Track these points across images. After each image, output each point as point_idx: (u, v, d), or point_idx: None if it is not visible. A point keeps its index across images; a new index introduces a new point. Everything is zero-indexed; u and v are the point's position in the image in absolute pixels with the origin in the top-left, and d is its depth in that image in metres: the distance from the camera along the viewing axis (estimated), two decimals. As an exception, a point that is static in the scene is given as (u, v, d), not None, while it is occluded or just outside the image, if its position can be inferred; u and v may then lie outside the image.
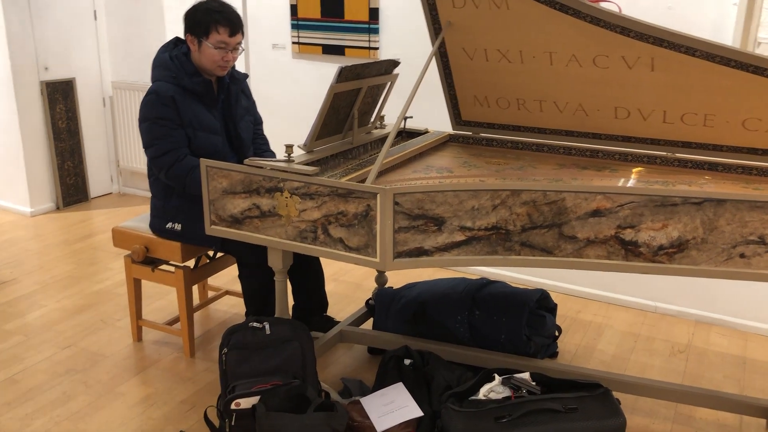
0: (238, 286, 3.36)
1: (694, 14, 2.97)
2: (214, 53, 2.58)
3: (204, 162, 2.33)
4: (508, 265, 2.20)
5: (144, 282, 2.95)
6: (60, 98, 4.72)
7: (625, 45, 2.23)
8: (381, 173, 2.36)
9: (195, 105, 2.64)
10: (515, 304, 2.67)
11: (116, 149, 5.14)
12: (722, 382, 2.75)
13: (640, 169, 2.49)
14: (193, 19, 2.58)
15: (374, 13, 3.67)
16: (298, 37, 3.93)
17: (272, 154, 2.98)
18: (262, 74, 4.16)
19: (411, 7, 3.59)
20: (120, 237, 2.87)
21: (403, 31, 3.66)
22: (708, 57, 2.15)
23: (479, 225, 2.15)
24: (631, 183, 2.33)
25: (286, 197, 2.22)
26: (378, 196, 2.06)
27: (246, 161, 2.27)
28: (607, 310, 3.38)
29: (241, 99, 2.83)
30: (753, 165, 2.37)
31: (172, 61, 2.64)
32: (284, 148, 2.29)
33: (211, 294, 3.32)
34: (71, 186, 4.88)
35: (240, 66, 4.05)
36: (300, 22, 3.90)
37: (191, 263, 2.93)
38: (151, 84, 2.70)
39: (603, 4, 2.57)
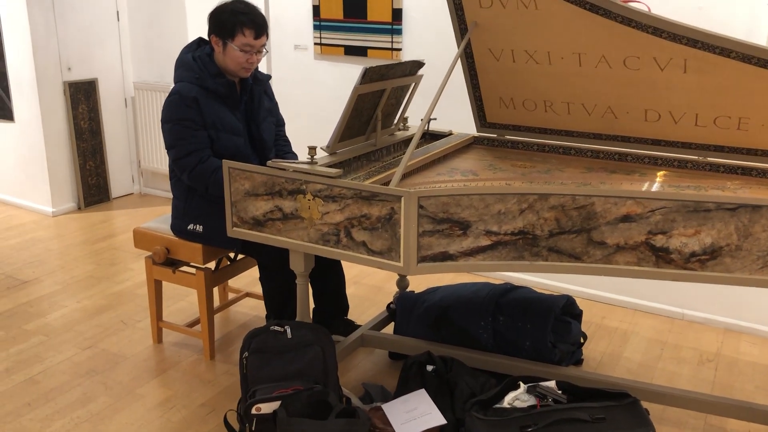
0: (258, 288, 3.34)
1: (725, 14, 2.90)
2: (239, 55, 2.56)
3: (226, 163, 2.31)
4: (534, 271, 2.15)
5: (164, 283, 2.93)
6: (82, 98, 4.74)
7: (657, 46, 2.18)
8: (405, 176, 2.33)
9: (218, 106, 2.62)
10: (540, 311, 2.62)
11: (138, 150, 5.15)
12: (754, 392, 2.68)
13: (664, 172, 2.43)
14: (218, 20, 2.56)
15: (397, 14, 3.63)
16: (320, 38, 3.91)
17: (294, 156, 2.96)
18: (284, 75, 4.14)
19: (435, 8, 3.55)
20: (141, 238, 2.85)
21: (426, 32, 3.62)
22: (744, 58, 2.09)
23: (505, 229, 2.10)
24: (656, 187, 2.27)
25: (309, 199, 2.19)
26: (402, 199, 2.02)
27: (269, 163, 2.25)
28: (633, 316, 3.31)
29: (264, 100, 2.81)
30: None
31: (195, 61, 2.62)
32: (306, 149, 2.26)
33: (231, 296, 3.30)
34: (93, 186, 4.90)
35: (262, 67, 4.04)
36: (322, 23, 3.87)
37: (212, 265, 2.91)
38: (173, 85, 2.69)
39: (632, 4, 2.51)
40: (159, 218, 2.96)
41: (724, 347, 3.02)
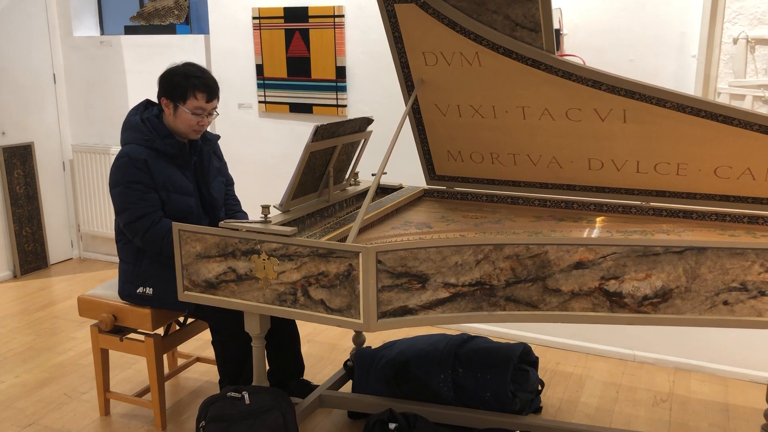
0: (208, 353, 3.26)
1: (655, 66, 3.05)
2: (190, 118, 2.55)
3: (176, 226, 2.27)
4: (493, 321, 2.16)
5: (111, 352, 2.81)
6: (18, 163, 4.60)
7: (597, 98, 2.27)
8: (359, 231, 2.32)
9: (167, 167, 2.59)
10: (498, 360, 2.63)
11: (77, 213, 5.00)
12: (708, 430, 2.73)
13: (603, 218, 2.51)
14: (170, 82, 2.55)
15: (341, 72, 3.69)
16: (265, 96, 3.92)
17: (244, 215, 2.93)
18: (229, 133, 4.11)
19: (378, 65, 3.62)
20: (86, 306, 2.75)
21: (371, 89, 3.68)
22: (678, 108, 2.19)
23: (463, 281, 2.11)
24: (603, 233, 2.33)
25: (264, 259, 2.16)
26: (360, 255, 2.02)
27: (221, 223, 2.21)
28: (586, 360, 3.35)
29: (213, 160, 2.79)
30: (726, 212, 2.40)
31: (143, 123, 2.59)
32: (258, 208, 2.24)
33: (181, 362, 3.19)
34: (30, 253, 4.72)
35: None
36: (266, 82, 3.89)
37: (161, 331, 2.81)
38: (121, 147, 2.64)
39: (568, 58, 2.62)
40: (104, 285, 2.86)
41: (676, 386, 3.08)
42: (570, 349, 3.44)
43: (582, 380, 3.15)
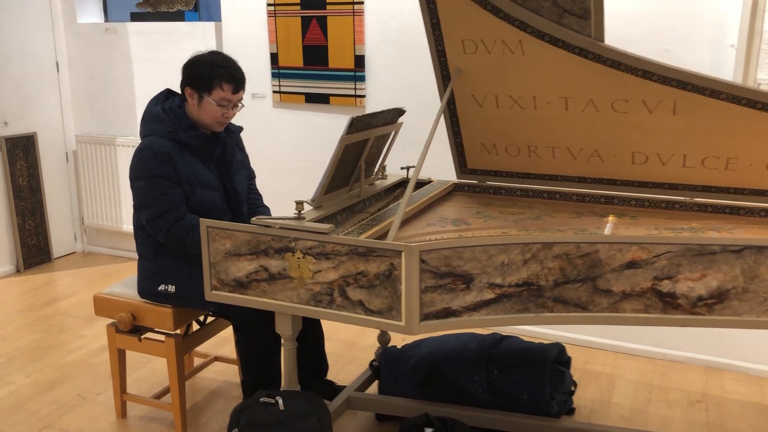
0: (225, 351, 3.15)
1: (690, 56, 2.95)
2: (216, 109, 2.43)
3: (204, 222, 2.15)
4: (540, 323, 2.06)
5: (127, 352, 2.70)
6: (21, 154, 4.45)
7: (646, 89, 2.16)
8: (395, 228, 2.22)
9: (192, 160, 2.47)
10: (535, 361, 2.53)
11: (80, 206, 4.87)
12: (748, 432, 2.65)
13: (646, 214, 2.40)
14: (195, 72, 2.43)
15: (360, 61, 3.57)
16: (279, 86, 3.80)
17: (267, 210, 2.82)
18: (242, 124, 3.99)
19: (398, 54, 3.51)
20: (103, 305, 2.63)
21: (390, 78, 3.57)
22: (733, 99, 2.09)
23: (509, 281, 2.01)
24: (643, 231, 2.23)
25: (299, 258, 2.05)
26: (403, 254, 1.91)
27: (253, 220, 2.10)
28: (615, 359, 3.26)
29: (237, 152, 2.67)
30: (777, 208, 2.31)
31: (165, 114, 2.47)
32: (272, 202, 2.13)
33: (197, 361, 3.08)
34: (33, 246, 4.58)
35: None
36: (281, 71, 3.77)
37: (180, 330, 2.70)
38: (141, 139, 2.52)
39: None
40: (121, 282, 2.74)
41: (709, 386, 3.00)
42: (598, 347, 3.35)
43: (612, 380, 3.06)
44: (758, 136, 2.16)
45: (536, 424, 2.39)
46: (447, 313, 2.00)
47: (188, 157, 2.47)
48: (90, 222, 4.81)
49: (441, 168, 2.84)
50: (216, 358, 3.09)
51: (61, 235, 4.83)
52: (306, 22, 3.63)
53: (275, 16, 3.70)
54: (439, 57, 2.35)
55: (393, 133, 2.59)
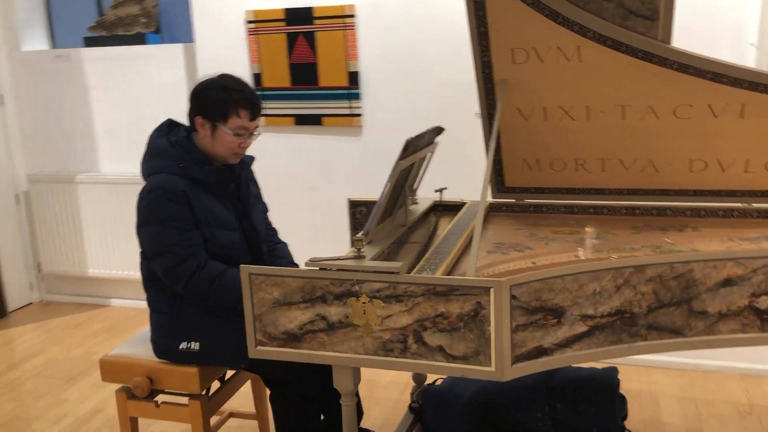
0: (243, 406, 2.85)
1: (709, 54, 2.85)
2: (231, 140, 2.16)
3: (246, 269, 1.87)
4: (634, 353, 1.88)
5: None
6: (-33, 199, 4.00)
7: (714, 92, 2.03)
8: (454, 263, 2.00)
9: (207, 198, 2.18)
10: (599, 390, 2.35)
11: (36, 251, 4.42)
12: (812, 442, 2.55)
13: (710, 225, 2.27)
14: (206, 98, 2.15)
15: (354, 78, 3.34)
16: (265, 108, 3.52)
17: (285, 246, 2.54)
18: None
19: (396, 69, 3.31)
20: (112, 369, 2.29)
21: (388, 95, 3.35)
22: (808, 98, 1.98)
23: (602, 311, 1.82)
24: (718, 243, 2.09)
25: (364, 303, 1.80)
26: (492, 290, 1.69)
27: (307, 262, 1.84)
28: (648, 374, 3.13)
29: (251, 186, 2.39)
30: None
31: (173, 147, 2.18)
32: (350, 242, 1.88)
33: (213, 420, 2.75)
34: (-14, 301, 4.11)
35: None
36: (267, 92, 3.49)
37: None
38: (145, 178, 2.22)
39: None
40: (129, 341, 2.41)
41: (753, 396, 2.90)
42: (630, 363, 3.21)
43: (654, 397, 2.92)
44: (829, 135, 2.05)
45: (614, 459, 2.21)
46: (538, 353, 1.79)
47: (203, 195, 2.18)
48: (49, 268, 4.37)
49: (454, 187, 2.62)
50: (231, 415, 2.78)
51: (14, 285, 4.36)
52: (292, 38, 3.37)
53: (257, 34, 3.43)
54: (483, 69, 2.15)
55: (430, 154, 2.37)
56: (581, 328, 1.81)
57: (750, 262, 1.83)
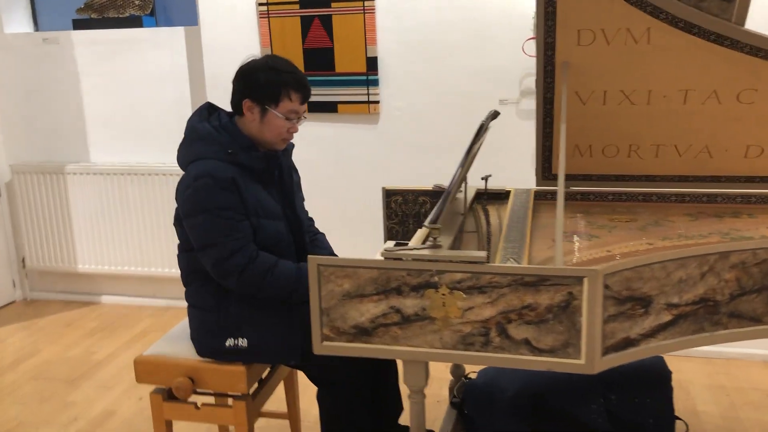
0: (273, 405, 2.72)
1: None
2: (282, 124, 2.04)
3: (315, 260, 1.75)
4: (715, 342, 1.83)
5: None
6: (-52, 191, 3.74)
7: (782, 76, 2.00)
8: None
9: (255, 186, 2.06)
10: (653, 380, 2.31)
11: (18, 246, 4.17)
12: None
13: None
14: (255, 80, 2.01)
15: (373, 63, 3.22)
16: (276, 95, 3.37)
17: (323, 236, 2.43)
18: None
19: (415, 55, 3.21)
20: (150, 369, 2.14)
21: (406, 81, 3.25)
22: None
23: (686, 299, 1.77)
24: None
25: (443, 294, 1.70)
26: (585, 280, 1.62)
27: (383, 252, 1.73)
28: (670, 362, 3.10)
29: (293, 173, 2.27)
30: None
31: (218, 132, 2.04)
32: (417, 229, 1.79)
33: (241, 420, 2.62)
34: (-31, 300, 3.86)
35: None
36: (278, 79, 3.34)
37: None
38: (182, 165, 2.09)
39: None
40: (162, 339, 2.26)
41: (780, 382, 2.92)
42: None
43: (683, 386, 2.91)
44: None
45: (676, 450, 2.17)
46: (626, 344, 1.73)
47: (251, 183, 2.06)
48: (34, 264, 4.13)
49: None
50: (260, 414, 2.64)
51: (-4, 282, 4.12)
52: (307, 22, 3.24)
53: (269, 17, 3.28)
54: (545, 50, 2.07)
55: (483, 140, 2.28)
56: (666, 317, 1.76)
57: (831, 248, 1.80)
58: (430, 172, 3.25)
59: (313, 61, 3.28)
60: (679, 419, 2.30)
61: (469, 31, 3.12)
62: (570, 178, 2.45)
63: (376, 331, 1.77)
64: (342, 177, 3.41)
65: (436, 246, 1.75)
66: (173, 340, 2.22)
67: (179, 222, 2.10)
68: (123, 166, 3.83)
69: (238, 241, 1.97)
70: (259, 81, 2.03)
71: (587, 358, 1.67)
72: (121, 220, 3.90)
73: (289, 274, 2.02)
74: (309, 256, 1.76)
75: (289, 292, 2.02)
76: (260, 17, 3.29)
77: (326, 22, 3.22)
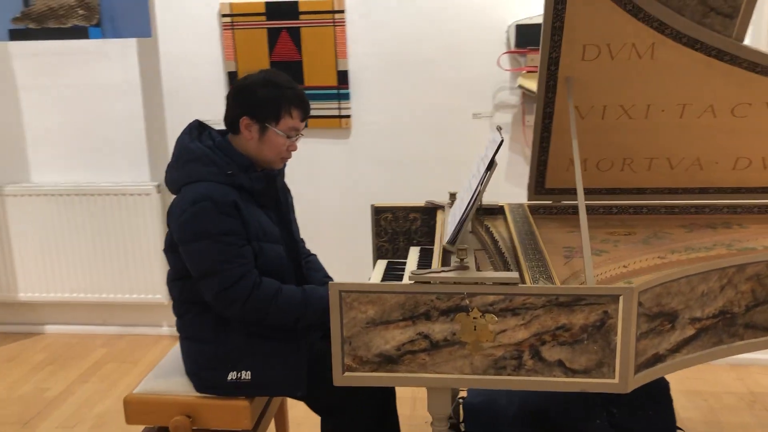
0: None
1: None
2: (282, 142, 1.94)
3: (336, 286, 1.66)
4: (732, 354, 1.86)
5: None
6: None
7: (775, 90, 2.06)
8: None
9: (254, 208, 1.95)
10: (653, 391, 2.32)
11: (-52, 275, 3.83)
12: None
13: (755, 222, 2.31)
14: (254, 97, 1.91)
15: (343, 77, 3.14)
16: (241, 110, 3.23)
17: (316, 258, 2.33)
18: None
19: (387, 68, 3.15)
20: (141, 409, 1.97)
21: (377, 96, 3.19)
22: None
23: (708, 313, 1.79)
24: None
25: (475, 318, 1.65)
26: (621, 298, 1.60)
27: (411, 276, 1.66)
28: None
29: (288, 193, 2.17)
30: None
31: (213, 152, 1.91)
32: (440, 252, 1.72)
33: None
34: None
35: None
36: (243, 93, 3.21)
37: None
38: (173, 188, 1.96)
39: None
40: (153, 375, 2.09)
41: (749, 384, 3.01)
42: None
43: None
44: None
45: (683, 461, 2.19)
46: (655, 360, 1.73)
47: (250, 205, 1.94)
48: (-34, 294, 3.80)
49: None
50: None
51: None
52: (274, 34, 3.13)
53: (233, 29, 3.15)
54: (549, 65, 2.05)
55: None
56: (690, 331, 1.77)
57: (834, 257, 1.86)
58: (403, 187, 3.22)
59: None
60: (681, 429, 2.32)
61: (443, 44, 3.09)
62: (561, 192, 2.45)
63: (403, 359, 1.69)
64: (314, 192, 3.30)
65: (463, 267, 1.69)
66: (165, 375, 2.06)
67: (172, 248, 1.96)
68: (69, 186, 3.58)
69: (241, 267, 1.85)
70: (258, 97, 1.92)
71: (621, 377, 1.65)
72: (67, 244, 3.64)
73: (294, 299, 1.91)
74: (330, 282, 1.67)
75: (295, 318, 1.92)
76: (224, 29, 3.16)
77: (294, 34, 3.12)
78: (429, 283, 1.65)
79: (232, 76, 3.21)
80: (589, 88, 2.11)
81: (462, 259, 1.70)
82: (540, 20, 2.93)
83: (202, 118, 3.26)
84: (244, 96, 1.94)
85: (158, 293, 3.59)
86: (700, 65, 2.01)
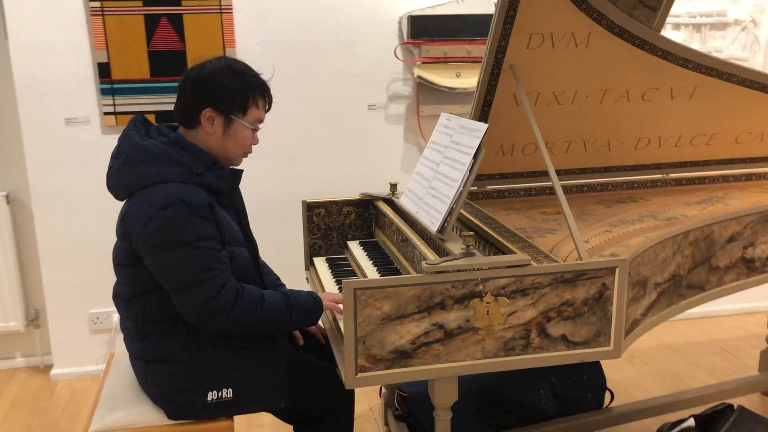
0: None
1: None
2: (248, 135, 1.80)
3: (351, 284, 1.58)
4: (679, 312, 2.08)
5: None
6: None
7: (679, 76, 2.31)
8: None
9: (220, 210, 1.77)
10: (583, 357, 2.51)
11: None
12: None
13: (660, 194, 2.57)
14: (218, 88, 1.73)
15: (232, 67, 2.95)
16: (114, 105, 2.90)
17: (263, 261, 2.17)
18: (52, 160, 2.95)
19: (279, 57, 3.02)
20: (106, 448, 1.71)
21: (273, 85, 3.02)
22: (741, 82, 2.38)
23: (665, 277, 1.98)
24: (682, 209, 2.40)
25: (488, 302, 1.67)
26: (617, 269, 1.71)
27: (425, 266, 1.62)
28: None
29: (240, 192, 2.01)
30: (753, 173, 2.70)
31: (173, 149, 1.71)
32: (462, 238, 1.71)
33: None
34: None
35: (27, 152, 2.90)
36: (117, 86, 2.88)
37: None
38: (129, 191, 1.72)
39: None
40: (107, 408, 1.81)
41: (707, 333, 3.41)
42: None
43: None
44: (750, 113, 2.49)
45: (600, 418, 2.39)
46: (633, 325, 1.88)
47: (220, 208, 1.77)
48: None
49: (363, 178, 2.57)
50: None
51: None
52: (152, 21, 2.84)
53: (103, 14, 2.81)
54: (496, 53, 2.12)
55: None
56: (654, 295, 1.94)
57: (744, 219, 2.16)
58: (297, 181, 3.12)
59: (160, 66, 2.89)
60: (608, 390, 2.53)
61: (335, 34, 3.04)
62: (488, 177, 2.54)
63: (417, 352, 1.66)
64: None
65: (470, 254, 1.69)
66: (122, 407, 1.79)
67: (129, 261, 1.72)
68: None
69: (223, 273, 1.68)
70: (223, 87, 1.75)
71: (615, 344, 1.76)
72: None
73: (279, 305, 1.77)
74: (344, 280, 1.58)
75: (279, 324, 1.78)
76: (92, 15, 2.80)
77: (176, 21, 2.86)
78: (445, 272, 1.63)
79: (102, 68, 2.86)
80: (529, 76, 2.21)
81: (468, 246, 1.70)
82: (433, 12, 3.03)
83: (68, 115, 2.92)
84: (206, 86, 1.75)
85: (11, 320, 3.12)
86: (624, 54, 2.20)
